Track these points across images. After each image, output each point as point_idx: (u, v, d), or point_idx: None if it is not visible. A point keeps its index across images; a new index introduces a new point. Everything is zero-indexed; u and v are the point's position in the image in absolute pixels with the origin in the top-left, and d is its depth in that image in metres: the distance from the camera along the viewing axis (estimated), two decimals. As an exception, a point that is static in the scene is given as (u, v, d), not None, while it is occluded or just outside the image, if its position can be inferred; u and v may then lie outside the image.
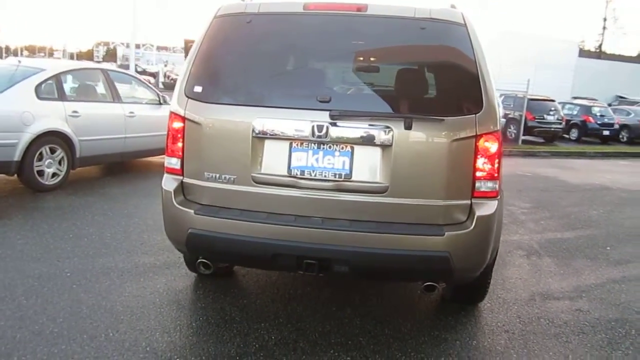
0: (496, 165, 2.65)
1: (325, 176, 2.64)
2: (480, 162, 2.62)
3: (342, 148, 2.63)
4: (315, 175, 2.64)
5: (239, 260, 3.04)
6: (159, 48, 64.80)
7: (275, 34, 2.81)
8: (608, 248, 4.96)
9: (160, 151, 7.83)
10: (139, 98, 7.35)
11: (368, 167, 2.62)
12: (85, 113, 6.22)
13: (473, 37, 2.69)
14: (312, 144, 2.65)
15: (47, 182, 5.90)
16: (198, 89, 2.79)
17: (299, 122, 2.63)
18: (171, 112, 2.88)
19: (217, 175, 2.75)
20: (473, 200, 2.65)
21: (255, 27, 2.79)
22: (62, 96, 6.09)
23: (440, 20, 2.69)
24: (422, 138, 2.59)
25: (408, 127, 2.56)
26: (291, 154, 2.67)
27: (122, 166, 7.62)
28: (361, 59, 2.77)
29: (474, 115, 2.60)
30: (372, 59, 2.77)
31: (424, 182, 2.61)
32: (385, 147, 2.59)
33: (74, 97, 6.34)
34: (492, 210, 2.64)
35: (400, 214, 2.62)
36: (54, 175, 5.98)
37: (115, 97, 6.84)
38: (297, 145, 2.66)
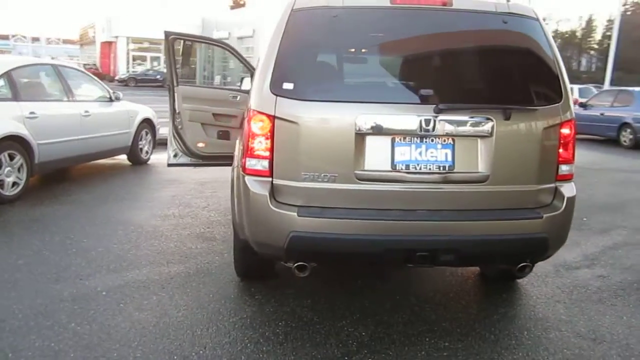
0: (572, 150, 2.86)
1: (429, 169, 2.67)
2: (563, 147, 2.82)
3: (444, 140, 2.68)
4: (419, 169, 2.67)
5: (346, 259, 2.98)
6: (33, 39, 58.94)
7: (366, 29, 2.76)
8: (584, 219, 5.50)
9: (120, 151, 7.33)
10: (90, 95, 6.75)
11: (469, 157, 2.70)
12: (42, 114, 5.60)
13: (546, 30, 2.86)
14: (415, 138, 2.67)
15: (7, 193, 5.26)
16: (288, 85, 2.67)
17: (405, 117, 2.63)
18: (253, 111, 2.73)
19: (316, 175, 2.66)
20: (557, 183, 2.84)
21: (343, 21, 2.72)
22: (16, 96, 5.42)
23: (519, 14, 2.81)
24: (519, 127, 2.72)
25: (507, 117, 2.67)
26: (394, 148, 2.66)
27: (69, 171, 6.98)
28: (453, 52, 2.82)
29: (558, 104, 2.78)
30: (462, 52, 2.83)
31: (520, 169, 2.75)
32: (485, 137, 2.69)
33: (29, 96, 5.66)
34: (575, 191, 2.85)
35: (499, 200, 2.74)
36: (13, 184, 5.33)
37: (70, 95, 6.22)
38: (400, 139, 2.67)
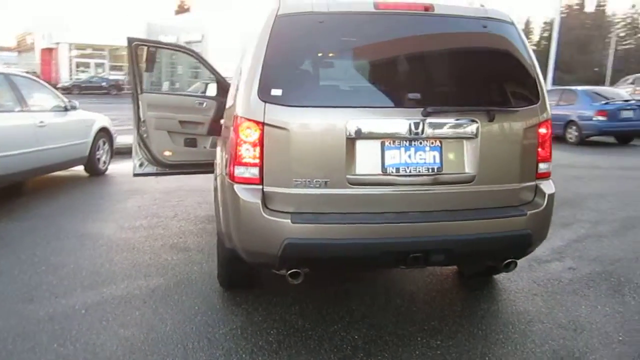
0: (550, 149, 2.99)
1: (419, 171, 2.72)
2: (541, 146, 2.93)
3: (432, 143, 2.73)
4: (409, 172, 2.71)
5: (340, 264, 2.98)
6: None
7: (352, 34, 2.78)
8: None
9: (77, 162, 7.05)
10: (45, 105, 6.45)
11: (456, 159, 2.77)
12: (-4, 126, 5.32)
13: (522, 34, 2.97)
14: (404, 141, 2.71)
15: (-39, 211, 4.95)
16: (277, 92, 2.65)
17: (395, 121, 2.67)
18: (241, 119, 2.70)
19: (308, 181, 2.66)
20: (537, 181, 2.95)
21: (329, 26, 2.72)
22: (-33, 107, 5.13)
23: (497, 19, 2.91)
24: (502, 128, 2.81)
25: (491, 119, 2.76)
26: (384, 152, 2.70)
27: (24, 184, 6.65)
28: (436, 56, 2.87)
29: (536, 105, 2.89)
30: (445, 56, 2.89)
31: (504, 168, 2.84)
32: (470, 138, 2.76)
33: (-20, 107, 5.36)
34: (554, 189, 2.97)
35: (485, 200, 2.82)
36: (-33, 201, 5.04)
37: (23, 105, 5.93)
38: (390, 143, 2.70)
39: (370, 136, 2.67)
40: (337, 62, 2.77)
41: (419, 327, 3.10)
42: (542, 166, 2.95)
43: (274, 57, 2.69)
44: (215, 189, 3.12)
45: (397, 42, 2.83)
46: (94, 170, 7.46)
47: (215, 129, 5.46)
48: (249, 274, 3.39)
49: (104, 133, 7.62)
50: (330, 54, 2.76)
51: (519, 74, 2.90)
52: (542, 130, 2.93)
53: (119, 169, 8.25)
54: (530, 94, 2.89)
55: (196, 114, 5.44)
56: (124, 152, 8.95)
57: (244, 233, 2.72)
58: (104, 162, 7.70)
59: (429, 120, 2.67)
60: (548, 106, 2.98)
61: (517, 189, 2.88)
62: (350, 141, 2.66)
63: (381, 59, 2.81)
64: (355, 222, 2.64)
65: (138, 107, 5.18)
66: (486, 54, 2.92)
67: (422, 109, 2.66)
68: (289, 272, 2.72)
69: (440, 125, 2.71)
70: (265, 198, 2.67)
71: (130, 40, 5.03)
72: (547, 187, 2.95)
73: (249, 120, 2.67)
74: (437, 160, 2.74)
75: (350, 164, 2.67)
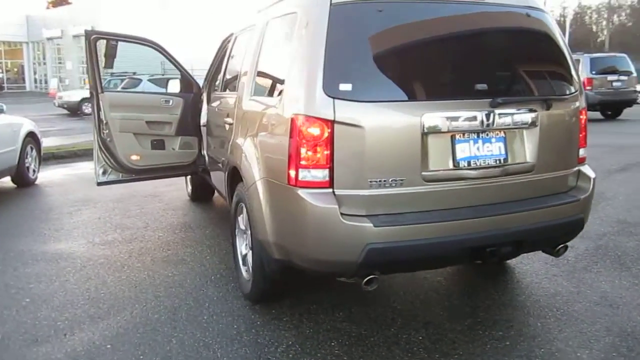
0: (586, 134, 3.08)
1: (488, 163, 2.66)
2: (582, 132, 3.01)
3: (497, 134, 2.69)
4: (479, 164, 2.64)
5: (420, 265, 2.82)
6: None
7: (412, 23, 2.63)
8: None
9: (5, 173, 6.19)
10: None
11: (518, 149, 2.74)
12: None
13: (555, 22, 3.02)
14: (472, 134, 2.63)
15: None
16: (346, 87, 2.45)
17: (467, 113, 2.58)
18: (305, 117, 2.46)
19: (384, 181, 2.49)
20: (579, 166, 3.03)
21: (389, 15, 2.55)
22: None
23: (535, 7, 2.92)
24: (556, 116, 2.83)
25: (548, 107, 2.77)
26: (455, 146, 2.60)
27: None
28: (491, 45, 2.80)
29: (577, 92, 2.96)
30: (499, 45, 2.83)
31: (557, 156, 2.87)
32: (530, 128, 2.75)
33: None
34: (594, 173, 3.07)
35: (542, 188, 2.83)
36: None
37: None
38: (460, 136, 2.61)
39: (443, 130, 2.56)
40: (402, 53, 2.61)
41: (473, 320, 3.06)
42: (582, 151, 3.03)
43: (337, 48, 2.47)
44: (258, 195, 2.82)
45: (455, 31, 2.73)
46: (23, 181, 6.62)
47: (184, 129, 5.06)
48: (287, 285, 3.15)
49: (31, 138, 6.78)
50: (394, 45, 2.60)
51: (561, 61, 2.94)
52: (583, 117, 3.00)
53: (48, 177, 7.42)
54: (571, 81, 2.95)
55: (163, 113, 4.99)
56: (46, 158, 8.09)
57: (316, 241, 2.49)
58: (34, 171, 6.86)
59: (497, 111, 2.62)
60: (584, 93, 3.06)
61: (566, 175, 2.93)
62: (425, 136, 2.53)
63: (443, 49, 2.70)
64: (433, 220, 2.52)
65: (99, 108, 4.63)
66: (533, 42, 2.92)
67: (490, 100, 2.61)
68: (366, 278, 2.54)
69: (505, 116, 2.67)
70: (338, 202, 2.47)
71: (89, 34, 4.46)
72: (589, 171, 3.04)
73: (317, 119, 2.44)
74: (503, 151, 2.70)
75: (424, 160, 2.54)
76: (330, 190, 2.48)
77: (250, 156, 3.00)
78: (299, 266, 2.75)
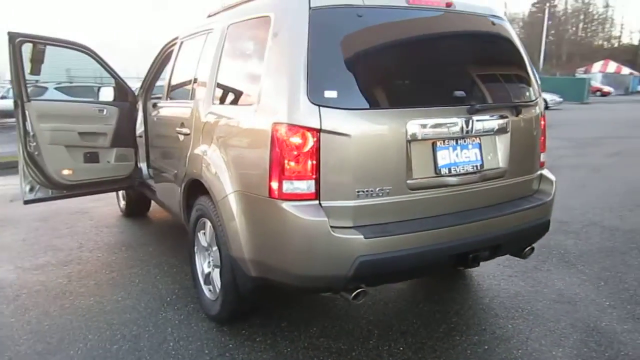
0: (545, 139, 3.20)
1: (466, 170, 2.67)
2: (542, 136, 3.13)
3: (474, 140, 2.71)
4: (458, 171, 2.65)
5: (408, 276, 2.74)
6: None
7: (391, 30, 2.58)
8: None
9: None
10: None
11: (492, 155, 2.78)
12: None
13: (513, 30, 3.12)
14: (451, 141, 2.63)
15: None
16: (331, 93, 2.35)
17: (448, 120, 2.57)
18: (288, 126, 2.34)
19: (371, 191, 2.42)
20: (541, 170, 3.14)
21: (369, 21, 2.49)
22: None
23: (497, 15, 2.99)
24: (524, 122, 2.90)
25: (518, 113, 2.84)
26: (436, 153, 2.59)
27: None
28: (463, 53, 2.81)
29: (538, 98, 3.08)
30: (470, 53, 2.85)
31: (524, 160, 2.95)
32: (502, 134, 2.81)
33: None
34: (554, 176, 3.19)
35: (513, 192, 2.90)
36: None
37: None
38: (441, 143, 2.60)
39: (425, 137, 2.54)
40: (383, 60, 2.56)
41: (447, 326, 3.07)
42: (542, 156, 3.15)
43: (319, 54, 2.37)
44: (230, 209, 2.65)
45: (433, 39, 2.73)
46: None
47: (119, 140, 4.72)
48: (259, 303, 2.99)
49: None
50: (375, 51, 2.54)
51: (524, 68, 3.03)
52: (543, 122, 3.12)
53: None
54: (532, 87, 3.06)
55: (97, 123, 4.62)
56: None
57: (303, 256, 2.37)
58: None
59: (474, 117, 2.65)
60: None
61: (531, 179, 3.02)
62: (409, 144, 2.50)
63: (423, 55, 2.68)
64: (420, 229, 2.49)
65: (24, 119, 4.19)
66: (498, 50, 2.99)
67: (468, 107, 2.63)
68: (355, 292, 2.45)
69: (481, 122, 2.70)
70: (326, 214, 2.36)
71: (13, 36, 4.02)
72: (550, 175, 3.16)
73: (301, 127, 2.33)
74: (479, 157, 2.73)
75: (409, 168, 2.51)
76: (317, 202, 2.37)
77: (218, 168, 2.82)
78: (279, 283, 2.60)
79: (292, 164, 2.35)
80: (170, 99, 3.99)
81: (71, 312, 3.26)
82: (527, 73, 3.03)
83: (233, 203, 2.66)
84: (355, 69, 2.44)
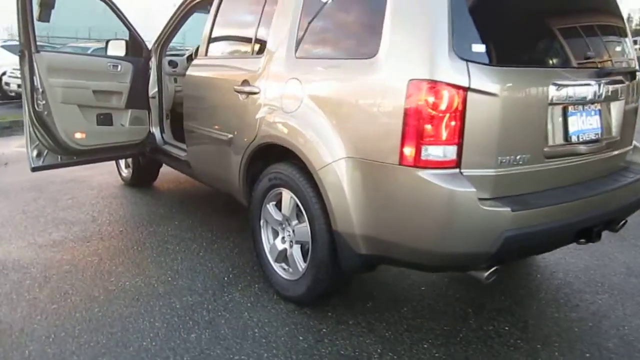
0: None
1: (590, 138, 2.47)
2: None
3: (595, 107, 2.50)
4: (585, 139, 2.44)
5: (539, 251, 2.51)
6: None
7: None
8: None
9: None
10: None
11: (607, 123, 2.59)
12: None
13: None
14: (580, 106, 2.41)
15: None
16: (479, 47, 2.06)
17: (584, 83, 2.35)
18: (433, 83, 2.03)
19: (512, 158, 2.17)
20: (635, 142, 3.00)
21: None
22: None
23: None
24: (634, 89, 2.73)
25: (632, 79, 2.67)
26: (567, 119, 2.36)
27: None
28: (592, 14, 2.59)
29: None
30: (595, 14, 2.63)
31: (629, 130, 2.78)
32: (617, 101, 2.62)
33: None
34: None
35: (618, 163, 2.75)
36: None
37: None
38: (572, 108, 2.37)
39: (561, 101, 2.30)
40: (529, 13, 2.28)
41: (538, 302, 2.90)
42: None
43: (461, 3, 2.07)
44: (320, 180, 2.35)
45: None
46: None
47: (134, 100, 4.22)
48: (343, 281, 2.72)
49: None
50: (522, 2, 2.26)
51: (623, 32, 2.85)
52: None
53: None
54: (632, 52, 2.88)
55: (111, 80, 4.09)
56: None
57: (442, 231, 2.09)
58: None
59: (603, 82, 2.44)
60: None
61: (628, 150, 2.87)
62: (549, 108, 2.26)
63: (555, 15, 2.42)
64: (558, 201, 2.27)
65: (32, 72, 3.61)
66: (604, 11, 2.77)
67: (597, 70, 2.42)
68: (491, 270, 2.22)
69: (607, 87, 2.49)
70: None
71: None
72: (640, 145, 3.04)
73: (448, 85, 2.03)
74: (600, 125, 2.53)
75: (547, 134, 2.28)
76: (457, 170, 2.10)
77: (318, 131, 2.46)
78: (398, 262, 2.34)
79: (433, 127, 2.06)
80: (211, 56, 3.54)
81: (120, 296, 2.85)
82: (625, 37, 2.85)
83: (342, 171, 2.33)
84: (502, 21, 2.17)
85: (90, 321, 2.59)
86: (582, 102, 2.41)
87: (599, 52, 2.53)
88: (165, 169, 4.96)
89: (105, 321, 2.59)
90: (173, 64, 4.64)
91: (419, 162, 2.08)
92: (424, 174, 2.08)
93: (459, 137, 2.07)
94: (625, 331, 2.65)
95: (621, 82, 2.61)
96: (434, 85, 2.04)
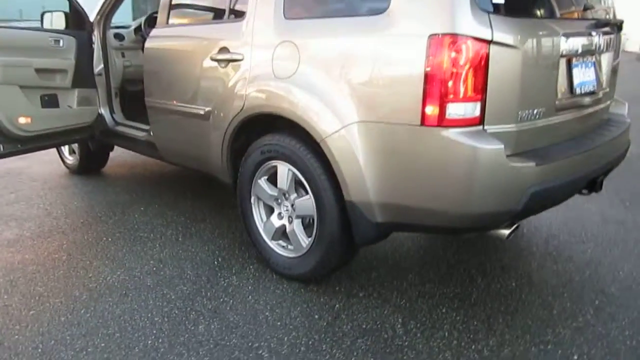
0: None
1: (590, 90, 2.47)
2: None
3: (592, 59, 2.50)
4: (585, 90, 2.44)
5: (553, 204, 2.45)
6: None
7: None
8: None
9: None
10: None
11: (601, 75, 2.61)
12: None
13: None
14: (581, 58, 2.40)
15: None
16: (499, -1, 1.98)
17: (586, 33, 2.33)
18: (456, 37, 1.92)
19: (530, 112, 2.13)
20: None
21: None
22: None
23: None
24: (620, 39, 2.77)
25: (619, 30, 2.70)
26: (572, 71, 2.34)
27: None
28: None
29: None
30: None
31: (613, 81, 2.84)
32: (607, 52, 2.64)
33: None
34: None
35: (606, 115, 2.80)
36: None
37: None
38: (575, 60, 2.35)
39: (568, 53, 2.28)
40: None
41: (556, 266, 2.96)
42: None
43: None
44: (329, 148, 2.22)
45: None
46: None
47: (81, 78, 3.83)
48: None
49: None
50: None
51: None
52: None
53: None
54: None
55: (54, 57, 3.66)
56: None
57: (471, 191, 2.01)
58: None
59: (603, 32, 2.45)
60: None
61: (610, 102, 2.94)
62: (561, 60, 2.23)
63: None
64: (572, 153, 2.27)
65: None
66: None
67: (596, 21, 2.41)
68: (513, 228, 2.20)
69: (603, 38, 2.49)
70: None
71: None
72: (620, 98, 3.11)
73: (471, 38, 1.93)
74: (596, 77, 2.54)
75: (557, 87, 2.25)
76: (481, 127, 2.03)
77: (323, 96, 2.29)
78: (418, 227, 2.27)
79: (457, 84, 1.96)
80: (174, 24, 3.23)
81: (106, 293, 2.58)
82: None
83: (353, 137, 2.19)
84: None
85: (80, 325, 2.31)
86: (582, 54, 2.40)
87: (592, 3, 2.53)
88: (113, 154, 4.59)
89: (97, 322, 2.32)
90: (119, 36, 4.24)
91: (442, 122, 1.99)
92: (449, 133, 1.98)
93: (482, 93, 1.99)
94: (621, 276, 2.74)
95: (611, 33, 2.63)
96: (457, 40, 1.93)
